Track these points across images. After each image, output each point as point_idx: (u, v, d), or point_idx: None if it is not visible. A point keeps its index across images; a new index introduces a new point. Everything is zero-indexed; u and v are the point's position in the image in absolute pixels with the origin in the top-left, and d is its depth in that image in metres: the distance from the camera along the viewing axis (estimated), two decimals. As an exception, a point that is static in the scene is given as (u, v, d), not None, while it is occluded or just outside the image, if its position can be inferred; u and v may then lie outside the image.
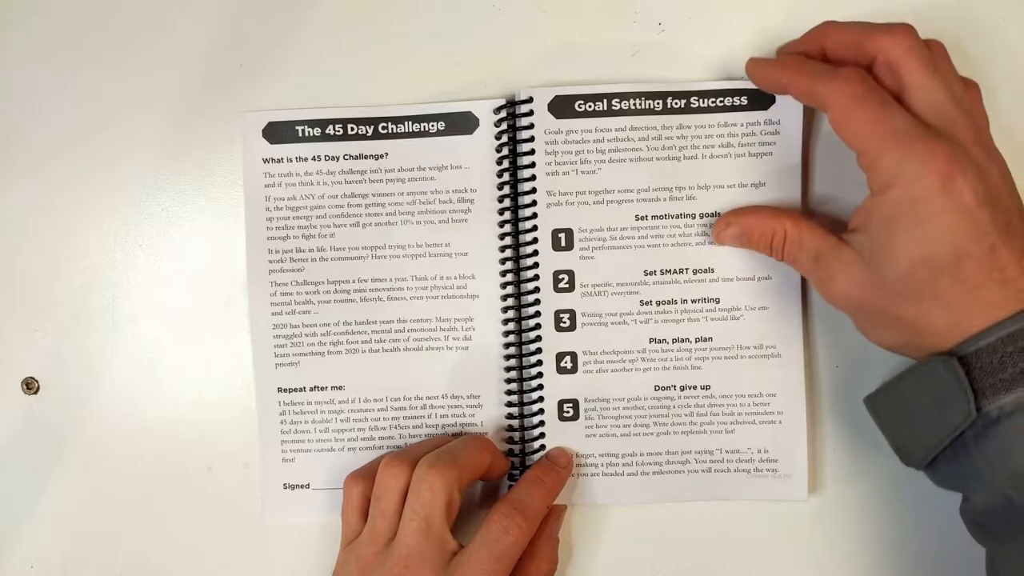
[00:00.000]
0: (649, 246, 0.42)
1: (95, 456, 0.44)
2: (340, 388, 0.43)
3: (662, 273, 0.42)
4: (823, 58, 0.38)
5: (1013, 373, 0.32)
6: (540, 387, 0.43)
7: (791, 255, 0.38)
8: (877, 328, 0.36)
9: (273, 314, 0.43)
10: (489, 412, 0.43)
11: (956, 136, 0.34)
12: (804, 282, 0.42)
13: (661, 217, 0.42)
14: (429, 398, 0.43)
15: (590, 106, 0.42)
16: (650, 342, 0.42)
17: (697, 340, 0.42)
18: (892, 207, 0.34)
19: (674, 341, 0.42)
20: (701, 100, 0.41)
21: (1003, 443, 0.32)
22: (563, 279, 0.42)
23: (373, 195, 0.43)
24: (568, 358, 0.42)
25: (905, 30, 0.35)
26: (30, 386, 0.44)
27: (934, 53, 0.36)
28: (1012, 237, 0.33)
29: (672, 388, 0.42)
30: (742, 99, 0.41)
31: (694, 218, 0.42)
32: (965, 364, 0.33)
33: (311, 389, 0.44)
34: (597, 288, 0.42)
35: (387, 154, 0.43)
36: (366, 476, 0.41)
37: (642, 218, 0.42)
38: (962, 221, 0.32)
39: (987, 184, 0.33)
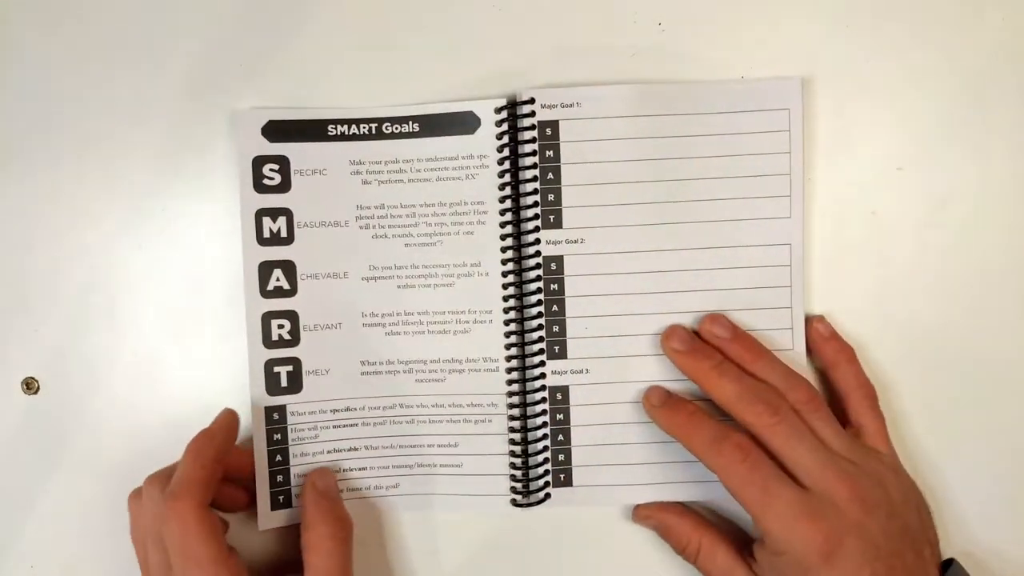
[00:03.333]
0: (652, 249, 0.42)
1: (95, 456, 0.44)
2: (340, 398, 0.44)
3: (664, 275, 0.42)
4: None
5: None
6: (543, 389, 0.43)
7: (704, 566, 0.41)
8: None
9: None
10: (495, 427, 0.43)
11: (833, 498, 0.37)
12: (805, 284, 0.42)
13: (664, 223, 0.42)
14: (421, 407, 0.43)
15: (592, 107, 0.42)
16: (651, 341, 0.42)
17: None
18: (784, 570, 0.38)
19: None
20: (701, 100, 0.42)
21: None
22: (565, 281, 0.42)
23: (373, 194, 0.43)
24: (565, 359, 0.43)
25: (761, 409, 0.38)
26: (30, 386, 0.44)
27: (798, 403, 0.39)
28: None
29: (670, 383, 0.42)
30: (731, 100, 0.42)
31: (697, 223, 0.42)
32: None
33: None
34: (597, 291, 0.42)
35: (390, 155, 0.43)
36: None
37: (645, 221, 0.42)
38: None
39: (866, 544, 0.36)
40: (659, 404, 0.41)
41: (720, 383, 0.40)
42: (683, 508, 0.43)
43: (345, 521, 0.41)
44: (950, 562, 0.39)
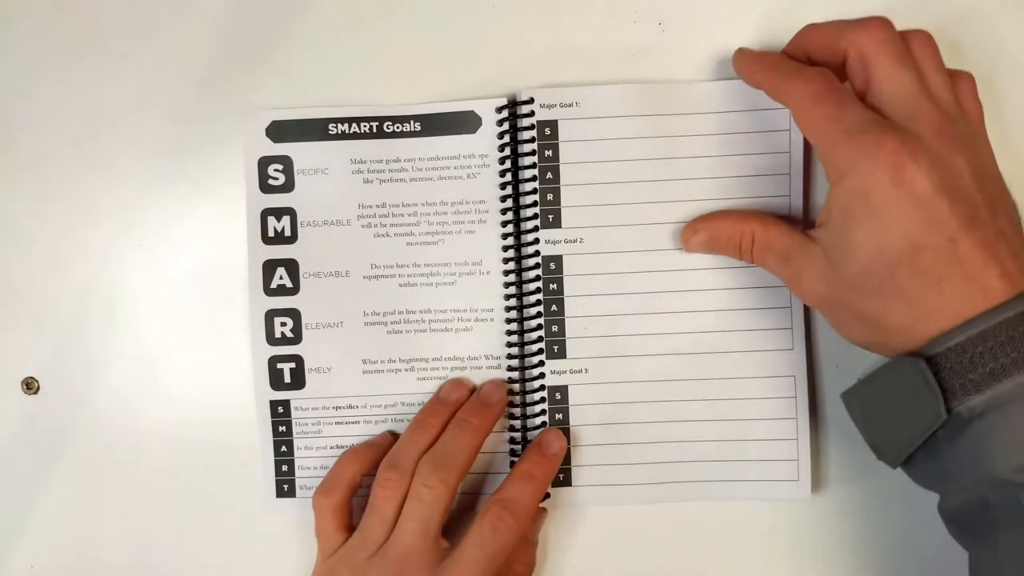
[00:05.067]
0: (651, 249, 0.42)
1: (95, 456, 0.44)
2: (343, 396, 0.44)
3: (664, 274, 0.42)
4: (809, 62, 0.38)
5: (983, 373, 0.31)
6: (543, 389, 0.43)
7: (760, 257, 0.39)
8: (845, 325, 0.36)
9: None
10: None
11: (916, 127, 0.33)
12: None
13: (663, 222, 0.42)
14: (423, 404, 0.43)
15: (591, 107, 0.42)
16: (651, 341, 0.42)
17: (697, 338, 0.42)
18: (846, 199, 0.33)
19: (676, 340, 0.42)
20: (701, 100, 0.41)
21: (975, 443, 0.31)
22: (564, 281, 0.42)
23: (375, 193, 0.43)
24: (565, 359, 0.43)
25: (877, 23, 0.35)
26: (30, 386, 0.44)
27: (914, 43, 0.35)
28: (975, 228, 0.32)
29: (670, 382, 0.42)
30: (731, 99, 0.41)
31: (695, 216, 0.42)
32: (934, 364, 0.32)
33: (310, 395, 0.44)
34: (597, 291, 0.42)
35: (391, 154, 0.43)
36: (333, 488, 0.41)
37: (644, 220, 0.42)
38: (915, 211, 0.32)
39: (945, 173, 0.32)
40: (743, 57, 0.40)
41: (826, 23, 0.37)
42: (725, 210, 0.41)
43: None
44: None
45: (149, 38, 0.43)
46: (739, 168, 0.41)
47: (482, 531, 0.38)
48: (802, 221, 0.41)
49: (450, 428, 0.41)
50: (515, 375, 0.43)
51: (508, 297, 0.43)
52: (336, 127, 0.43)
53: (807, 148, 0.42)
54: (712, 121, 0.41)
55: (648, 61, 0.42)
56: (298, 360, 0.44)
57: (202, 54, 0.43)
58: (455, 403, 0.42)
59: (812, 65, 0.37)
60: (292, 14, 0.43)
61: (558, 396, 0.43)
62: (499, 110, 0.42)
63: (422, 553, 0.38)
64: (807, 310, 0.42)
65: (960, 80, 0.37)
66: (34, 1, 0.43)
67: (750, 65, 0.39)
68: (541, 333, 0.42)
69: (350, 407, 0.44)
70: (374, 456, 0.42)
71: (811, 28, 0.38)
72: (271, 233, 0.43)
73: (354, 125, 0.43)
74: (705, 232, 0.40)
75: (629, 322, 0.42)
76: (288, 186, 0.43)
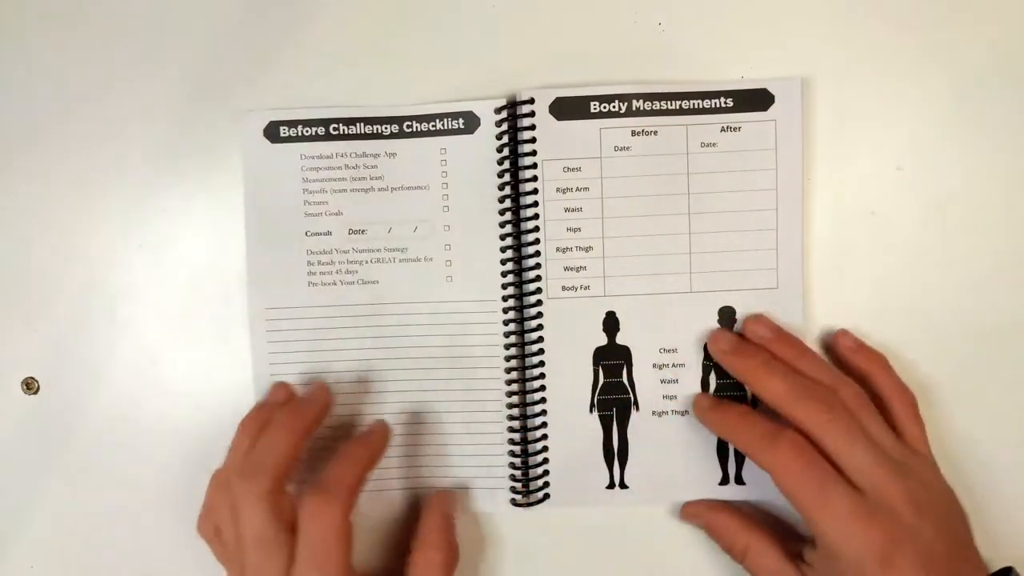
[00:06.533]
0: (652, 251, 0.42)
1: (95, 456, 0.44)
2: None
3: (666, 277, 0.42)
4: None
5: None
6: (543, 389, 0.43)
7: (753, 566, 0.40)
8: None
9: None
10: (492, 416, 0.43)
11: (888, 502, 0.36)
12: (806, 290, 0.42)
13: (662, 213, 0.42)
14: (422, 402, 0.43)
15: (592, 107, 0.42)
16: (654, 343, 0.43)
17: (697, 339, 0.42)
18: (839, 573, 0.36)
19: (676, 342, 0.43)
20: (701, 101, 0.42)
21: None
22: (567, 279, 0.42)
23: (377, 190, 0.43)
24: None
25: (818, 403, 0.38)
26: (30, 386, 0.44)
27: (855, 409, 0.38)
28: None
29: (672, 383, 0.43)
30: (731, 100, 0.42)
31: (695, 216, 0.42)
32: None
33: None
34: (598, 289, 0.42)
35: (388, 153, 0.43)
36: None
37: (643, 219, 0.42)
38: None
39: (921, 550, 0.35)
40: (710, 407, 0.41)
41: (771, 380, 0.39)
42: (731, 507, 0.42)
43: (456, 551, 0.40)
44: (1008, 571, 0.38)
45: (149, 40, 0.43)
46: (738, 166, 0.42)
47: (302, 522, 0.37)
48: (799, 227, 0.42)
49: (263, 432, 0.39)
50: (515, 375, 0.43)
51: (507, 298, 0.43)
52: (335, 128, 0.43)
53: (807, 149, 0.42)
54: (711, 120, 0.42)
55: (648, 61, 0.43)
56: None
57: (202, 56, 0.43)
58: (273, 405, 0.42)
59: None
60: (292, 16, 0.43)
61: (558, 396, 0.43)
62: (498, 111, 0.42)
63: (261, 566, 0.37)
64: (806, 313, 0.42)
65: (898, 405, 0.40)
66: (35, 6, 0.43)
67: (715, 421, 0.41)
68: (542, 333, 0.43)
69: (350, 405, 0.44)
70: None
71: (763, 375, 0.39)
72: None
73: (352, 126, 0.43)
74: (704, 520, 0.42)
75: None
76: (288, 187, 0.43)
